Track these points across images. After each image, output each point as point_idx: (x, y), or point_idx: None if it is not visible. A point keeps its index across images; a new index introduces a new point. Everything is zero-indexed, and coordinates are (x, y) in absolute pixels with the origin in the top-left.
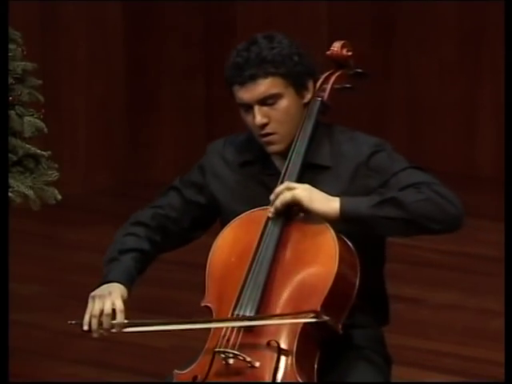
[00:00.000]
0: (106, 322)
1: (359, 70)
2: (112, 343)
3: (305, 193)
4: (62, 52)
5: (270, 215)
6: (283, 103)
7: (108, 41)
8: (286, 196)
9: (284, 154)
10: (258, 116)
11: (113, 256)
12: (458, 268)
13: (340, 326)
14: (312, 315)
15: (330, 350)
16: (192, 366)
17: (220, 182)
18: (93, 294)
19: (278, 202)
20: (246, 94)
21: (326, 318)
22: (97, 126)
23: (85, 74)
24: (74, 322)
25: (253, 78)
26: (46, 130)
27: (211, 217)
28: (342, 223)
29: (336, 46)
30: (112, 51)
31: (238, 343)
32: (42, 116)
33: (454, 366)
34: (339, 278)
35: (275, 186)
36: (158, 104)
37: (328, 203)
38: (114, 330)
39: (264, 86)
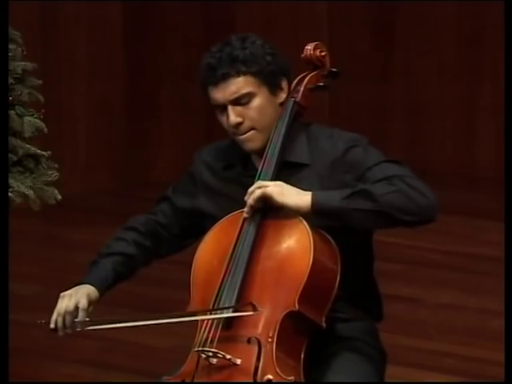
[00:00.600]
0: (68, 320)
1: (334, 70)
2: (112, 343)
3: (275, 188)
4: (62, 52)
5: (245, 215)
6: (256, 102)
7: (108, 41)
8: (257, 193)
9: (262, 153)
10: (232, 116)
11: (94, 259)
12: (458, 268)
13: (323, 319)
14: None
15: (323, 342)
16: (180, 370)
17: (206, 189)
18: (62, 293)
19: (250, 200)
20: (219, 93)
21: (260, 309)
22: (97, 126)
23: (85, 73)
24: (43, 321)
25: (225, 78)
26: (45, 130)
27: (201, 225)
28: (316, 217)
29: (309, 48)
30: (112, 51)
31: (216, 341)
32: (41, 116)
33: (454, 366)
34: (316, 271)
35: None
36: (157, 104)
37: (299, 197)
38: (78, 329)
39: (236, 85)
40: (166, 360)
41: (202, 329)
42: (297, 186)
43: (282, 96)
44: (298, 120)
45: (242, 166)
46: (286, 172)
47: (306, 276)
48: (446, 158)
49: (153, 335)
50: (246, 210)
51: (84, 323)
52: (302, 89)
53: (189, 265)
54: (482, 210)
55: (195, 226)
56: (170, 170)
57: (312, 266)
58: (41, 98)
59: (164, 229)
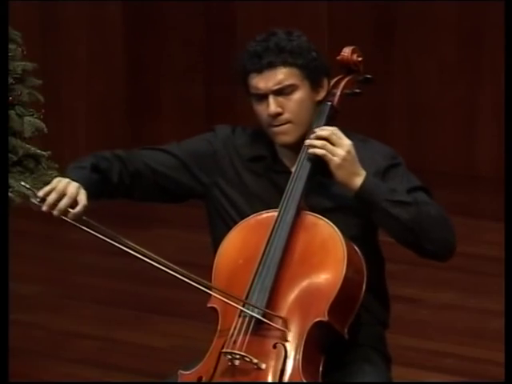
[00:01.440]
0: (65, 202)
1: (368, 76)
2: (112, 343)
3: (337, 158)
4: (62, 52)
5: (306, 144)
6: (298, 95)
7: (108, 41)
8: (320, 151)
9: (293, 149)
10: (273, 105)
11: (84, 165)
12: (458, 268)
13: (346, 330)
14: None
15: (337, 348)
16: (197, 367)
17: (228, 176)
18: (59, 178)
19: (311, 149)
20: (262, 81)
21: (285, 329)
22: (97, 126)
23: (85, 73)
24: (27, 186)
25: (270, 66)
26: (45, 130)
27: (190, 194)
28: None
29: (346, 52)
30: (112, 51)
31: (245, 345)
32: (41, 116)
33: (454, 366)
34: (347, 283)
35: (283, 184)
36: (158, 104)
37: (351, 178)
38: (65, 217)
39: (281, 74)
40: (166, 360)
41: (231, 331)
42: (328, 188)
43: (322, 94)
44: (331, 124)
45: (270, 161)
46: (317, 175)
47: (338, 287)
48: (446, 158)
49: (153, 335)
50: (306, 142)
51: (78, 215)
52: (338, 93)
53: (189, 265)
54: (482, 210)
55: (185, 191)
56: None
57: (344, 277)
58: (41, 98)
59: (155, 175)
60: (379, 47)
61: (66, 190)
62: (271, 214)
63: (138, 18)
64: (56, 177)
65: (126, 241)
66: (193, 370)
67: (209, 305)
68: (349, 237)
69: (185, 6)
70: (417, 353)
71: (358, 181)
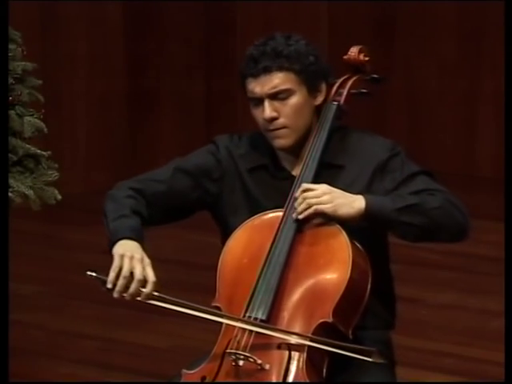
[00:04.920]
0: (134, 287)
1: (375, 76)
2: (112, 343)
3: (327, 203)
4: (62, 51)
5: (294, 217)
6: (294, 100)
7: (108, 41)
8: (309, 210)
9: (292, 152)
10: (268, 110)
11: (126, 213)
12: (458, 268)
13: (350, 331)
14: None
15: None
16: (201, 366)
17: (234, 185)
18: (121, 251)
19: (300, 215)
20: (257, 86)
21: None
22: (97, 126)
23: (85, 73)
24: (94, 274)
25: (266, 71)
26: (45, 130)
27: (200, 208)
28: (362, 220)
29: (353, 51)
30: (112, 51)
31: (249, 345)
32: (41, 116)
33: (454, 366)
34: (352, 284)
35: (287, 189)
36: (158, 104)
37: (352, 205)
38: (138, 298)
39: (277, 79)
40: (166, 360)
41: (235, 331)
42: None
43: (319, 99)
44: (335, 123)
45: (272, 169)
46: (321, 173)
47: (343, 288)
48: (446, 158)
49: (153, 335)
50: (294, 216)
51: (149, 295)
52: (345, 93)
53: (188, 264)
54: (482, 210)
55: (198, 206)
56: None
57: (349, 279)
58: (41, 98)
59: (173, 199)
60: (379, 47)
61: (132, 270)
62: (276, 214)
63: (137, 18)
64: (56, 177)
65: (201, 306)
66: (196, 370)
67: (213, 304)
68: (356, 239)
69: (185, 6)
70: (417, 353)
71: (360, 204)
